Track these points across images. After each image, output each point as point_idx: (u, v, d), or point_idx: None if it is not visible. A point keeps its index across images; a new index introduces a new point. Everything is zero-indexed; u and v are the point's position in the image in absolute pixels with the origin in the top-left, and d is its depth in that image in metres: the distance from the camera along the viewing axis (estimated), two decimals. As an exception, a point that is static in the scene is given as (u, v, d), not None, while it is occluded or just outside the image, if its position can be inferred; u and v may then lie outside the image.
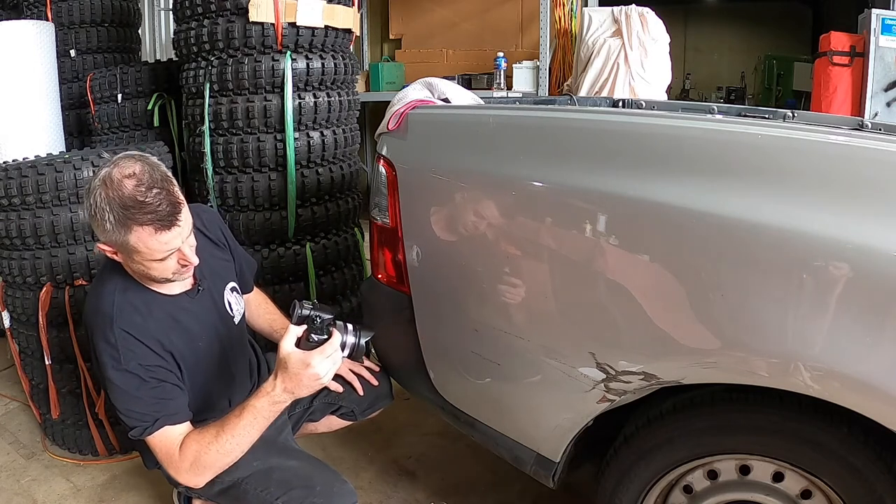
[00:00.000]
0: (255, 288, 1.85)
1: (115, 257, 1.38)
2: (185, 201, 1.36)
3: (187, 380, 1.46)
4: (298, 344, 1.35)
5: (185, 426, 1.40)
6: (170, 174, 1.36)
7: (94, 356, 1.42)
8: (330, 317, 1.39)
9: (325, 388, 1.76)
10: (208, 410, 1.57)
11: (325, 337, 1.36)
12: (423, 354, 1.64)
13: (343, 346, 1.39)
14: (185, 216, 1.35)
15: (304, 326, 1.37)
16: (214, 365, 1.58)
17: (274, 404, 1.35)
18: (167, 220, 1.30)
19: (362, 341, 1.44)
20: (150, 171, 1.31)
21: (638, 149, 1.21)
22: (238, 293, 1.71)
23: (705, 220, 1.08)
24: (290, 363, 1.32)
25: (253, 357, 1.81)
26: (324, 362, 1.32)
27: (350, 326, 1.43)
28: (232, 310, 1.66)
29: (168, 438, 1.37)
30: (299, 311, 1.37)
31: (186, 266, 1.41)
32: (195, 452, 1.35)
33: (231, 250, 1.72)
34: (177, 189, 1.35)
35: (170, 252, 1.34)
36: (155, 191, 1.29)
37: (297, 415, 1.79)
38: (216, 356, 1.58)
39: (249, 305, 1.81)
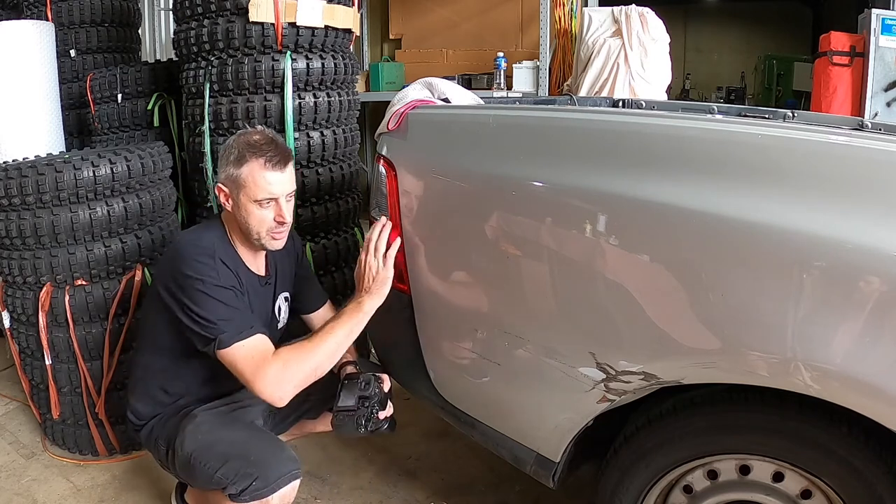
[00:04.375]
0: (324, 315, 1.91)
1: (226, 204, 1.60)
2: (292, 161, 1.61)
3: None
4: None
5: (270, 343, 1.51)
6: (290, 150, 1.65)
7: (188, 274, 1.50)
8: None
9: (321, 385, 1.78)
10: (216, 386, 1.65)
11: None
12: (423, 354, 1.64)
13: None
14: (291, 173, 1.59)
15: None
16: None
17: (360, 317, 1.54)
18: (275, 161, 1.55)
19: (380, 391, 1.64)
20: (273, 135, 1.61)
21: (638, 149, 1.21)
22: (287, 303, 1.83)
23: (705, 220, 1.08)
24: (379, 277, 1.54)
25: None
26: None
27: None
28: (279, 315, 1.79)
29: (260, 345, 1.47)
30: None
31: (282, 225, 1.58)
32: (286, 357, 1.46)
33: (297, 267, 1.85)
34: (291, 156, 1.62)
35: (271, 197, 1.55)
36: (273, 144, 1.57)
37: (291, 406, 1.80)
38: None
39: (313, 323, 1.87)
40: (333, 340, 1.51)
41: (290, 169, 1.60)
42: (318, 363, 1.49)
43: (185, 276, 1.50)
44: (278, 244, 1.62)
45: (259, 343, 1.48)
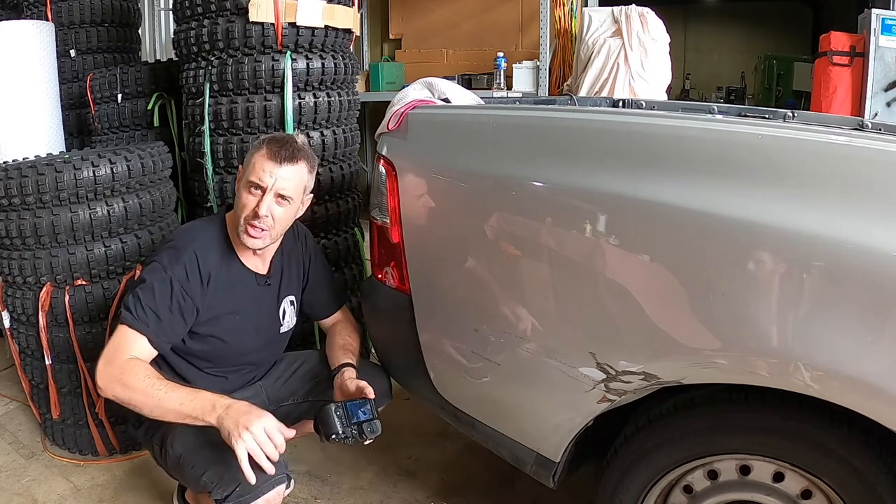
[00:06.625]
0: (337, 323, 1.90)
1: (239, 183, 1.64)
2: (306, 169, 1.62)
3: (196, 329, 1.61)
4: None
5: (149, 353, 1.52)
6: (315, 159, 1.69)
7: (155, 253, 1.63)
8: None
9: (321, 385, 1.79)
10: (217, 384, 1.66)
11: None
12: (423, 354, 1.64)
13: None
14: (292, 177, 1.58)
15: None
16: (235, 341, 1.69)
17: (205, 411, 1.38)
18: (279, 153, 1.57)
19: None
20: (302, 141, 1.67)
21: (638, 149, 1.21)
22: (294, 307, 1.83)
23: (705, 220, 1.08)
24: (252, 411, 1.39)
25: (269, 367, 1.86)
26: (260, 431, 1.36)
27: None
28: (283, 318, 1.79)
29: (130, 342, 1.49)
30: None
31: (256, 218, 1.56)
32: (131, 374, 1.44)
33: (308, 274, 1.84)
34: (309, 162, 1.64)
35: (260, 183, 1.56)
36: (289, 142, 1.61)
37: (289, 407, 1.81)
38: (241, 336, 1.69)
39: (325, 328, 1.93)
40: (162, 409, 1.41)
41: (293, 173, 1.57)
42: (140, 408, 1.44)
43: (153, 256, 1.61)
44: (252, 242, 1.59)
45: (130, 340, 1.49)
